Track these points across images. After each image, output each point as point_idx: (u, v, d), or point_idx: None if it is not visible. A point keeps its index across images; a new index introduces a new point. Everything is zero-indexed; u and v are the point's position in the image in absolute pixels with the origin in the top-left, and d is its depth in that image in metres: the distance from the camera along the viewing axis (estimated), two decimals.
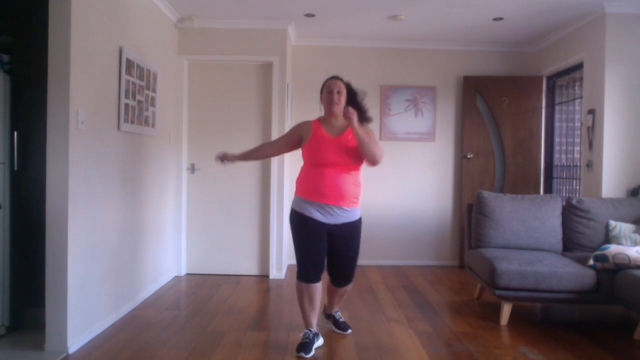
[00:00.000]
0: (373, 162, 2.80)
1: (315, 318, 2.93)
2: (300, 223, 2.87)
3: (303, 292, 2.87)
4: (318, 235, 2.84)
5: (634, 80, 4.17)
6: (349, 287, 3.08)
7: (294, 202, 2.94)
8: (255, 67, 4.84)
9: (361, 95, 3.03)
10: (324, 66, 5.30)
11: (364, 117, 2.95)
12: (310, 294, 2.87)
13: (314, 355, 2.82)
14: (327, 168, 2.80)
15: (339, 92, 2.88)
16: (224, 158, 3.02)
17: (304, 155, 2.94)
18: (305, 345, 2.82)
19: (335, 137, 2.84)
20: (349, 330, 3.21)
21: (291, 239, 3.01)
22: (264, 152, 3.19)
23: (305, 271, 2.86)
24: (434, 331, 3.26)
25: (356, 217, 2.94)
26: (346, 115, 2.73)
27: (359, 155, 2.82)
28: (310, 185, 2.85)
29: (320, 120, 2.95)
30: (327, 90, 2.90)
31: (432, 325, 3.38)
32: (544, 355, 2.86)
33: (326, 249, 2.90)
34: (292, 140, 3.00)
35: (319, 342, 2.97)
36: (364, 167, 2.93)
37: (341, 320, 3.25)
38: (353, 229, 2.93)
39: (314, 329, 2.93)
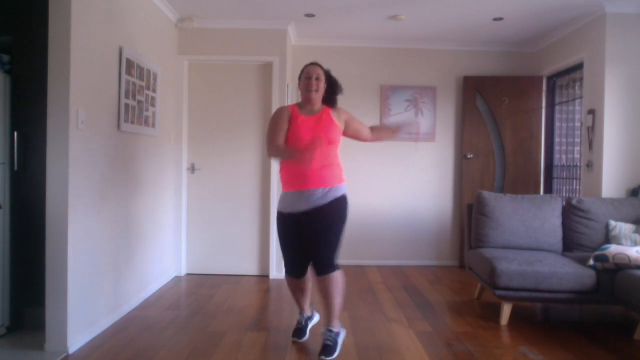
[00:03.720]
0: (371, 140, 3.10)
1: (307, 303, 3.10)
2: (282, 223, 2.90)
3: (294, 285, 3.02)
4: (297, 233, 2.83)
5: (634, 80, 4.17)
6: (332, 281, 2.74)
7: (279, 200, 2.92)
8: (255, 67, 4.84)
9: (340, 88, 2.98)
10: (324, 66, 5.28)
11: (334, 103, 2.98)
12: (301, 286, 3.02)
13: (308, 337, 3.06)
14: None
15: (317, 79, 2.83)
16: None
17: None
18: (299, 331, 3.05)
19: (312, 118, 2.82)
20: (324, 358, 2.72)
21: None
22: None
23: (291, 268, 2.97)
24: (434, 331, 3.26)
25: (338, 194, 2.79)
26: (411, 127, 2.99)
27: (335, 135, 2.84)
28: (293, 173, 2.79)
29: (297, 105, 2.91)
30: (305, 76, 2.85)
31: (432, 325, 3.38)
32: (544, 355, 2.86)
33: (306, 243, 2.84)
34: (285, 127, 2.83)
35: (315, 319, 3.22)
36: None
37: (327, 342, 2.77)
38: (331, 208, 2.76)
39: (307, 312, 3.12)
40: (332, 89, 2.94)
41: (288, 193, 2.84)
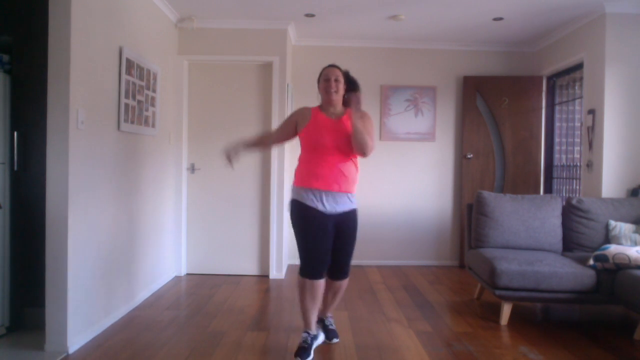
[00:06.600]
0: (362, 152, 2.72)
1: (315, 317, 2.87)
2: (304, 214, 2.76)
3: (306, 289, 2.77)
4: (323, 227, 2.75)
5: (634, 80, 4.17)
6: (345, 283, 2.96)
7: (294, 192, 2.86)
8: (255, 67, 4.84)
9: (359, 87, 2.97)
10: (324, 66, 5.29)
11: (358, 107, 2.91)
12: (314, 291, 2.77)
13: (312, 358, 2.77)
14: (327, 154, 2.75)
15: (336, 80, 2.82)
16: (231, 157, 2.95)
17: (301, 141, 2.87)
18: (303, 350, 2.74)
19: (335, 120, 2.81)
20: (335, 340, 3.03)
21: (291, 238, 2.99)
22: (266, 141, 3.09)
23: (310, 267, 2.75)
24: (434, 331, 3.26)
25: (355, 205, 2.89)
26: (353, 101, 2.73)
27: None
28: (309, 171, 2.77)
29: (319, 107, 2.91)
30: (324, 79, 2.85)
31: (432, 325, 3.38)
32: (544, 355, 2.86)
33: (332, 242, 2.80)
34: (289, 129, 2.93)
35: (320, 339, 2.96)
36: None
37: (331, 327, 3.08)
38: (352, 217, 2.87)
39: (313, 330, 2.85)
40: (352, 89, 2.92)
41: (309, 190, 2.77)
